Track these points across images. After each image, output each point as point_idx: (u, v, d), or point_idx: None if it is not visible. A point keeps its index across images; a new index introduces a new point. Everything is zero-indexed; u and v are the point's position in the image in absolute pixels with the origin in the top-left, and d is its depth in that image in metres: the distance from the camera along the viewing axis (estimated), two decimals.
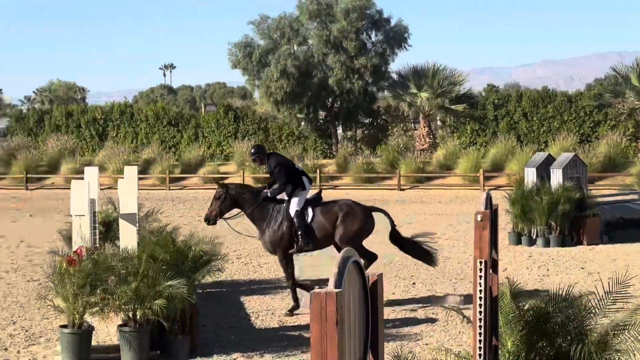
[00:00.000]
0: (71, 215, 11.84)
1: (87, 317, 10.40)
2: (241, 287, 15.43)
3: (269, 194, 13.20)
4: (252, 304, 13.82)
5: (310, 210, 13.04)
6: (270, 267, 17.30)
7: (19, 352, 10.94)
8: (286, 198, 13.17)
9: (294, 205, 12.98)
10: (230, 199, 13.22)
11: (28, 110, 54.79)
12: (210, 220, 13.32)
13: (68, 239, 13.52)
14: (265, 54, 45.22)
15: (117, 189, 11.63)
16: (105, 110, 49.49)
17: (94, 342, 10.50)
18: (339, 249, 12.76)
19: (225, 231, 13.82)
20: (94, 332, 10.50)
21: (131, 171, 13.48)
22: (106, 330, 11.18)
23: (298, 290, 13.03)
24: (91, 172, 13.02)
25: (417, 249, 13.62)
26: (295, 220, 12.91)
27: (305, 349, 10.69)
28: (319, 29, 45.61)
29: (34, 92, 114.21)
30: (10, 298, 14.42)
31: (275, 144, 46.22)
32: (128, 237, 11.06)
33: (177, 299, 10.13)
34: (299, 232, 12.89)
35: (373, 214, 13.46)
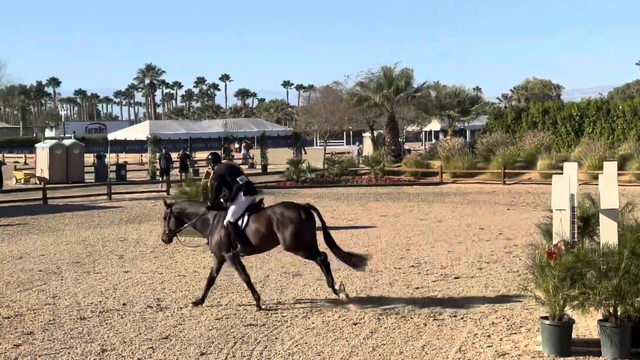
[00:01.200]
0: (550, 210, 12.07)
1: (567, 310, 10.54)
2: None
3: (209, 204, 14.13)
4: None
5: (246, 217, 13.71)
6: None
7: (501, 339, 11.39)
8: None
9: (228, 216, 13.73)
10: (175, 216, 14.33)
11: (506, 108, 56.18)
12: (165, 240, 14.62)
13: (547, 232, 13.77)
14: None
15: (592, 184, 11.66)
16: (581, 107, 49.36)
17: (573, 335, 10.60)
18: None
19: None
20: (574, 325, 10.61)
21: (611, 167, 13.35)
22: (585, 324, 11.24)
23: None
24: (571, 168, 13.10)
25: (342, 254, 13.90)
26: (229, 228, 13.65)
27: None
28: None
29: (510, 90, 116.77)
30: (491, 288, 15.01)
31: None
32: (608, 233, 11.03)
33: None
34: (234, 240, 13.65)
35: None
